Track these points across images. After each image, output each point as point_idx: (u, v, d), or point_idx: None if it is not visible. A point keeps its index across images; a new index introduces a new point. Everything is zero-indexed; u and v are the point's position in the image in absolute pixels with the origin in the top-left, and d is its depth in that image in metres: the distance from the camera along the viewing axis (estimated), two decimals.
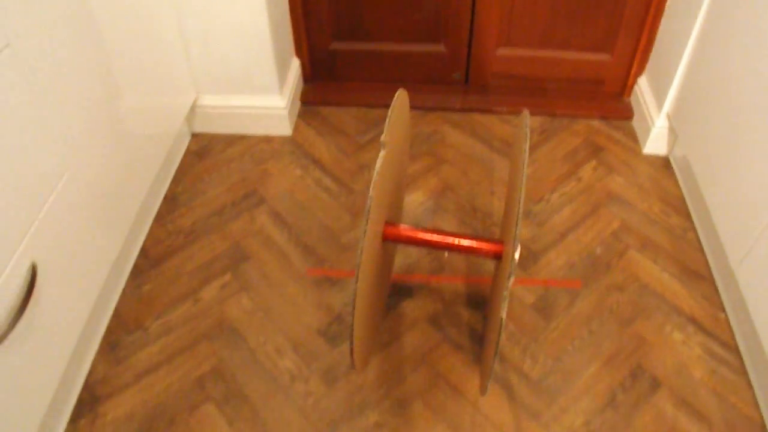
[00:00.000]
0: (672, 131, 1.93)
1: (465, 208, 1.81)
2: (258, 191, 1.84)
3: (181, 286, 1.61)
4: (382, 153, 1.16)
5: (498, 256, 1.32)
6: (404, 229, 1.35)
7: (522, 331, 1.52)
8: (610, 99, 2.18)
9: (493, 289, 1.36)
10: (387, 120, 1.19)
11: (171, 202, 1.81)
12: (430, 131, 2.07)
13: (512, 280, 1.07)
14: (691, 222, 1.78)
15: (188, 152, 1.97)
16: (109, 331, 1.52)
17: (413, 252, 1.68)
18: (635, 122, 2.10)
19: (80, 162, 1.29)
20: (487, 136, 2.05)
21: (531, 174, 1.91)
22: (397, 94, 1.27)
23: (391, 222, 1.36)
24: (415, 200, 1.83)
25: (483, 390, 1.23)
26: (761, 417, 1.39)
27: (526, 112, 1.30)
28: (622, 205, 1.83)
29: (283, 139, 2.02)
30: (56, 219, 1.21)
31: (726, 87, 1.55)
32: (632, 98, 2.16)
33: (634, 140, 2.05)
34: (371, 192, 1.10)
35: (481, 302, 1.58)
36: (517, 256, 1.06)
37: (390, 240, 1.34)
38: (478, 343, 1.50)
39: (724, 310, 1.57)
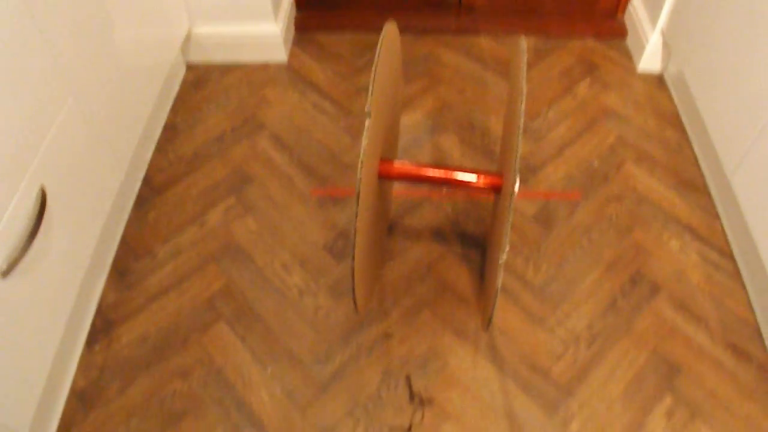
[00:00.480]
0: (666, 47, 1.94)
1: (463, 125, 1.82)
2: (257, 117, 1.85)
3: (186, 212, 1.63)
4: (368, 122, 1.11)
5: (497, 189, 1.33)
6: (400, 165, 1.33)
7: (524, 241, 1.56)
8: (603, 18, 2.18)
9: (493, 222, 1.37)
10: (371, 80, 1.14)
11: (171, 131, 1.82)
12: (426, 53, 2.07)
13: (512, 217, 1.06)
14: (686, 136, 1.80)
15: (185, 82, 1.96)
16: (118, 258, 1.55)
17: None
18: (629, 40, 2.11)
19: (80, 89, 1.29)
20: (481, 56, 2.05)
21: (527, 92, 1.93)
22: (382, 33, 1.23)
23: (386, 159, 1.34)
24: (413, 120, 1.84)
25: (485, 326, 1.27)
26: (755, 318, 1.43)
27: (522, 43, 1.24)
28: (618, 120, 1.84)
29: (279, 66, 2.01)
30: (61, 145, 1.22)
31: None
32: (626, 16, 2.15)
33: (628, 58, 2.05)
34: (361, 157, 1.07)
35: (483, 216, 1.60)
36: (516, 188, 1.06)
37: (385, 178, 1.34)
38: (482, 254, 1.53)
39: (719, 219, 1.61)
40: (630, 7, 2.11)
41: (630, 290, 1.47)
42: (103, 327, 1.43)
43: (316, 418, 1.31)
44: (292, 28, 2.12)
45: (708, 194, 1.66)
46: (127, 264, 1.53)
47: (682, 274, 1.50)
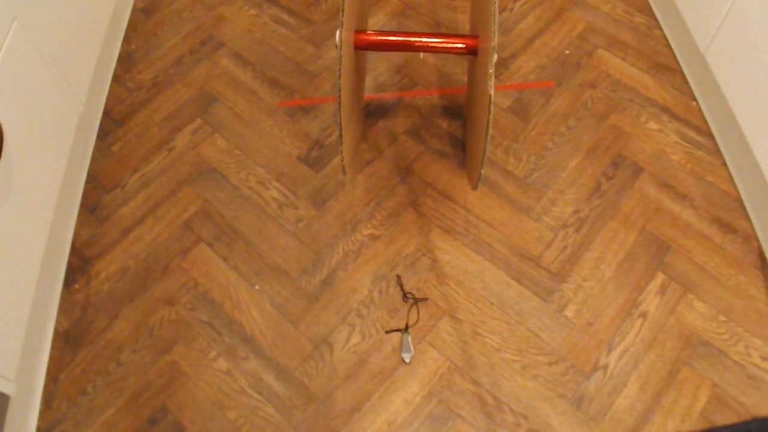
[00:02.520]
0: None
1: (429, 24, 1.77)
2: (215, 36, 1.78)
3: (152, 139, 1.57)
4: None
5: (473, 51, 1.29)
6: (375, 34, 1.31)
7: (502, 133, 1.52)
8: None
9: (471, 86, 1.35)
10: None
11: (126, 61, 1.74)
12: None
13: (496, 57, 1.05)
14: (655, 19, 1.77)
15: (135, 10, 1.87)
16: (86, 194, 1.49)
17: (383, 71, 1.65)
18: None
19: (27, 12, 1.22)
20: None
21: None
22: None
23: (361, 30, 1.32)
24: (377, 23, 1.78)
25: (475, 184, 1.24)
26: (737, 191, 1.43)
27: None
28: (585, 8, 1.80)
29: None
30: (12, 73, 1.16)
31: None
32: None
33: None
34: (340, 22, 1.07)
35: (457, 112, 1.57)
36: (496, 35, 1.03)
37: (363, 48, 1.30)
38: (461, 149, 1.50)
39: (695, 99, 1.59)
40: None
41: (613, 173, 1.46)
42: (79, 265, 1.39)
43: (310, 328, 1.28)
44: None
45: (682, 75, 1.63)
46: (97, 198, 1.48)
47: (662, 154, 1.49)
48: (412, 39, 1.30)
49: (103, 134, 1.59)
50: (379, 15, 1.79)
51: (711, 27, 1.42)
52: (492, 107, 1.02)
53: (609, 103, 1.57)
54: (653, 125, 1.54)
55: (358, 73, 1.39)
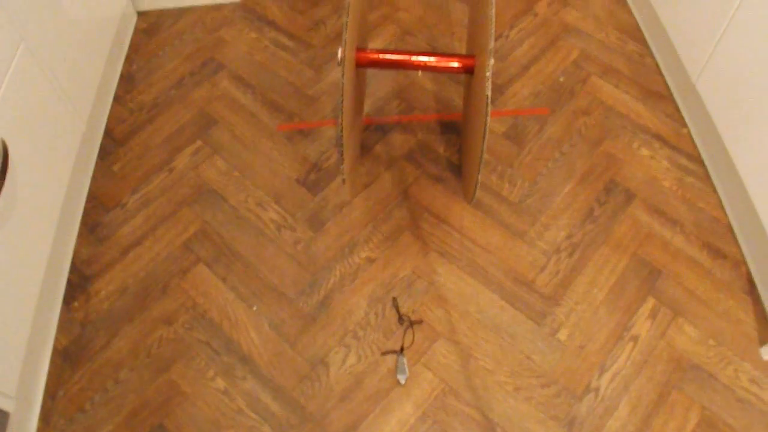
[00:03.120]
0: None
1: (426, 47, 1.80)
2: (215, 58, 1.81)
3: (152, 159, 1.59)
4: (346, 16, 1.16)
5: (469, 70, 1.33)
6: (377, 52, 1.35)
7: (497, 159, 1.55)
8: None
9: (466, 104, 1.38)
10: None
11: (128, 81, 1.77)
12: None
13: (492, 62, 1.08)
14: (648, 47, 1.81)
15: (137, 31, 1.90)
16: (87, 213, 1.51)
17: (382, 96, 1.68)
18: None
19: (32, 35, 1.25)
20: None
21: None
22: None
23: (362, 48, 1.36)
24: (373, 44, 1.81)
25: (470, 197, 1.26)
26: (726, 216, 1.46)
27: None
28: (580, 35, 1.84)
29: (234, 6, 1.96)
30: (19, 94, 1.18)
31: None
32: None
33: None
34: (345, 18, 1.12)
35: (454, 138, 1.59)
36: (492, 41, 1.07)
37: (363, 65, 1.35)
38: (457, 173, 1.53)
39: (686, 126, 1.62)
40: None
41: (605, 199, 1.48)
42: (79, 283, 1.40)
43: (307, 349, 1.30)
44: None
45: (673, 102, 1.67)
46: (98, 217, 1.50)
47: (654, 181, 1.52)
48: (411, 57, 1.34)
49: (104, 154, 1.61)
50: (377, 41, 1.82)
51: (701, 57, 1.46)
52: (489, 109, 1.06)
53: (602, 130, 1.61)
54: (645, 152, 1.57)
55: (359, 89, 1.44)
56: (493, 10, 1.07)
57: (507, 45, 1.81)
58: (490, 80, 1.06)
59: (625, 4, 1.93)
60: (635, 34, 1.84)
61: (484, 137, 1.09)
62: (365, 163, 1.55)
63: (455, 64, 1.33)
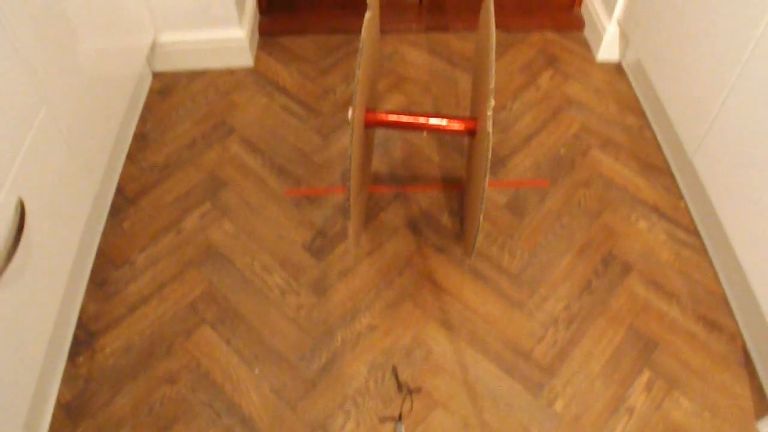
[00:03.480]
0: (623, 37, 2.00)
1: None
2: (227, 122, 1.86)
3: (162, 219, 1.63)
4: (368, 14, 1.25)
5: (471, 132, 1.40)
6: (385, 113, 1.42)
7: (498, 230, 1.59)
8: (561, 11, 2.23)
9: (468, 162, 1.46)
10: (360, 44, 1.24)
11: (141, 140, 1.82)
12: (391, 52, 2.10)
13: (493, 102, 1.14)
14: (647, 121, 1.86)
15: (152, 91, 1.96)
16: (95, 269, 1.54)
17: (387, 165, 1.73)
18: (587, 31, 2.16)
19: (52, 99, 1.29)
20: (445, 53, 2.09)
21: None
22: (369, 2, 1.34)
23: (371, 108, 1.43)
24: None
25: (469, 253, 1.30)
26: (723, 290, 1.49)
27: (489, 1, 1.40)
28: (581, 108, 1.89)
29: (246, 71, 2.03)
30: (37, 156, 1.22)
31: None
32: (583, 9, 2.21)
33: (587, 49, 2.11)
34: (357, 72, 1.19)
35: (456, 208, 1.63)
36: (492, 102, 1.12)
37: (372, 125, 1.42)
38: (458, 242, 1.56)
39: (683, 198, 1.66)
40: (586, 0, 2.16)
41: (603, 271, 1.52)
42: (85, 338, 1.43)
43: (307, 414, 1.32)
44: (257, 32, 2.13)
45: (671, 175, 1.71)
46: (106, 274, 1.53)
47: (651, 253, 1.55)
48: (418, 119, 1.42)
49: (115, 211, 1.66)
50: (385, 108, 1.88)
51: (697, 133, 1.50)
52: (490, 148, 1.10)
53: (601, 202, 1.65)
54: (643, 224, 1.61)
55: (367, 148, 1.50)
56: (493, 71, 1.13)
57: (510, 117, 1.86)
58: (491, 119, 1.10)
59: (625, 78, 2.00)
60: (635, 107, 1.90)
61: (485, 177, 1.13)
62: (369, 231, 1.59)
63: (458, 126, 1.40)
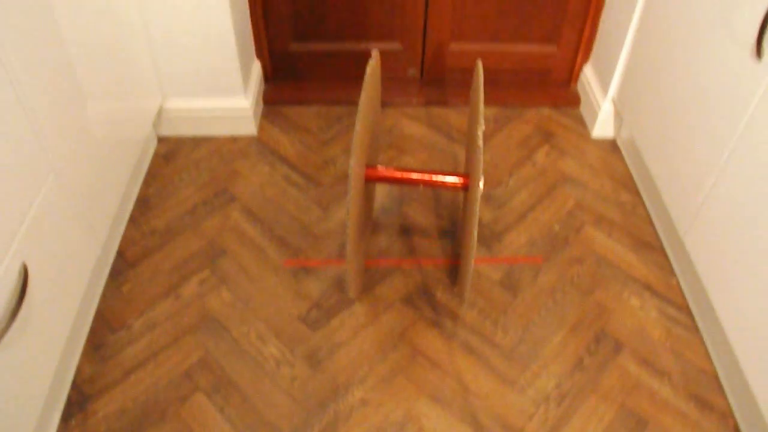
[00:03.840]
0: (617, 115, 2.05)
1: (429, 197, 1.89)
2: (228, 189, 1.90)
3: (161, 284, 1.66)
4: (371, 61, 1.39)
5: (466, 187, 1.50)
6: (383, 169, 1.52)
7: (491, 306, 1.61)
8: (558, 87, 2.29)
9: (463, 212, 1.56)
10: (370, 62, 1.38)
11: (143, 204, 1.86)
12: (390, 125, 2.15)
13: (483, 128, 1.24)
14: (640, 198, 1.90)
15: (156, 155, 2.01)
16: (93, 332, 1.56)
17: (384, 238, 1.76)
18: (583, 108, 2.22)
19: (61, 166, 1.33)
20: (444, 128, 2.14)
21: (488, 161, 2.01)
22: (369, 62, 1.46)
23: (371, 165, 1.52)
24: (380, 191, 1.91)
25: (462, 298, 1.33)
26: (714, 368, 1.50)
27: (479, 62, 1.54)
28: (576, 185, 1.93)
29: (249, 139, 2.07)
30: (42, 222, 1.25)
31: (665, 71, 1.67)
32: (579, 86, 2.27)
33: (582, 125, 2.16)
34: (357, 125, 1.30)
35: (451, 282, 1.66)
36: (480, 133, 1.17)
37: (372, 180, 1.51)
38: (453, 318, 1.58)
39: (675, 276, 1.69)
40: (582, 77, 2.22)
41: (595, 348, 1.53)
42: (78, 401, 1.44)
43: None
44: (261, 101, 2.19)
45: (663, 253, 1.74)
46: (103, 337, 1.55)
47: (643, 331, 1.57)
48: (414, 175, 1.51)
49: (115, 274, 1.68)
50: (383, 184, 1.92)
51: (688, 213, 1.54)
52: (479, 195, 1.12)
53: (594, 279, 1.67)
54: (635, 302, 1.63)
55: (367, 201, 1.59)
56: (481, 133, 1.20)
57: (506, 193, 1.90)
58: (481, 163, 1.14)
59: (619, 155, 2.04)
60: (629, 184, 1.94)
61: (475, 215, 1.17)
62: (365, 303, 1.61)
63: (452, 180, 1.52)
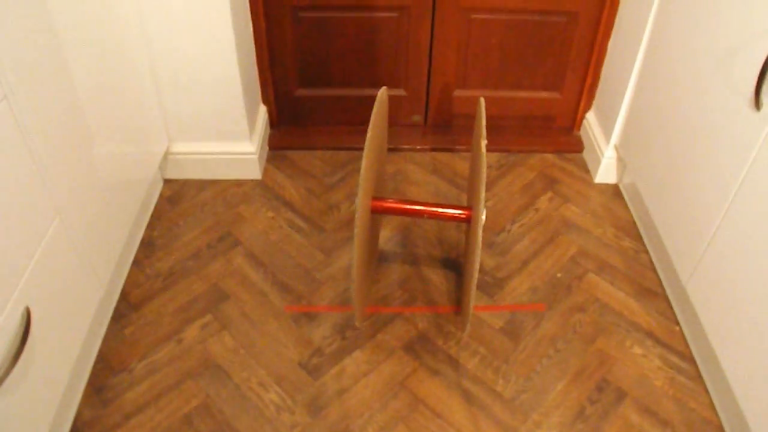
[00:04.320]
0: (620, 161, 2.06)
1: (431, 242, 1.90)
2: (232, 233, 1.91)
3: (163, 328, 1.66)
4: (380, 94, 1.48)
5: (467, 219, 1.56)
6: (389, 201, 1.60)
7: (493, 354, 1.61)
8: (561, 134, 2.31)
9: (466, 245, 1.63)
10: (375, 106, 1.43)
11: (148, 247, 1.87)
12: (394, 171, 2.17)
13: (485, 143, 1.33)
14: (643, 244, 1.90)
15: (162, 197, 2.03)
16: (94, 374, 1.56)
17: (386, 285, 1.77)
18: (586, 154, 2.23)
19: (67, 209, 1.35)
20: (448, 174, 2.16)
21: (491, 207, 2.02)
22: (377, 98, 1.51)
23: (377, 196, 1.59)
24: (383, 236, 1.92)
25: (463, 328, 1.43)
26: (718, 418, 1.49)
27: (481, 100, 1.60)
28: (579, 231, 1.94)
29: (254, 183, 2.09)
30: (47, 265, 1.26)
31: (666, 118, 1.68)
32: (582, 132, 2.29)
33: (585, 171, 2.17)
34: (364, 159, 1.36)
35: (452, 330, 1.66)
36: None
37: (377, 212, 1.57)
38: (454, 367, 1.58)
39: (678, 323, 1.68)
40: (585, 123, 2.24)
41: (597, 398, 1.53)
42: None
43: None
44: (266, 146, 2.21)
45: (666, 299, 1.74)
46: (104, 380, 1.55)
47: (645, 379, 1.56)
48: (419, 207, 1.58)
49: (118, 316, 1.68)
50: (386, 229, 1.93)
51: (691, 261, 1.54)
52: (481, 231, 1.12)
53: (596, 327, 1.67)
54: (638, 350, 1.62)
55: (373, 232, 1.68)
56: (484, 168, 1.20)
57: (508, 240, 1.91)
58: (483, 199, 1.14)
59: (622, 201, 2.05)
60: (631, 230, 1.94)
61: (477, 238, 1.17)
62: (366, 351, 1.61)
63: (455, 212, 1.58)
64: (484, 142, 1.41)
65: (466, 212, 1.57)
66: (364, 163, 1.37)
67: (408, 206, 1.58)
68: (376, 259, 1.80)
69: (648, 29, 1.79)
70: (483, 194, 1.36)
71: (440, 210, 1.57)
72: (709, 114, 1.47)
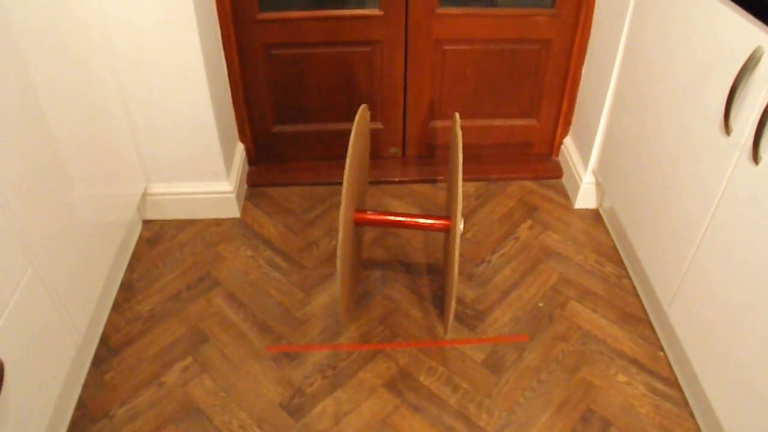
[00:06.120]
0: (599, 186, 2.07)
1: (414, 274, 1.89)
2: (212, 274, 1.90)
3: (144, 372, 1.64)
4: (360, 111, 1.55)
5: (447, 229, 1.61)
6: (371, 213, 1.66)
7: (476, 388, 1.60)
8: (539, 160, 2.32)
9: (445, 255, 1.67)
10: (349, 149, 1.46)
11: (127, 289, 1.85)
12: (373, 204, 2.16)
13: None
14: (624, 269, 1.90)
15: (141, 239, 2.02)
16: (74, 423, 1.54)
17: (366, 322, 1.75)
18: (565, 180, 2.24)
19: (40, 258, 1.33)
20: (427, 205, 2.15)
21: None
22: (357, 114, 1.57)
23: (359, 209, 1.64)
24: (364, 272, 1.91)
25: (445, 332, 1.49)
26: None
27: (456, 116, 1.66)
28: (559, 259, 1.94)
29: (233, 221, 2.09)
30: (21, 315, 1.25)
31: (640, 144, 1.69)
32: (560, 158, 2.30)
33: (565, 197, 2.18)
34: (347, 170, 1.42)
35: (434, 365, 1.65)
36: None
37: (361, 224, 1.63)
38: (435, 403, 1.57)
39: (662, 349, 1.68)
40: (563, 149, 2.25)
41: (582, 429, 1.51)
42: None
43: None
44: (245, 183, 2.21)
45: (650, 325, 1.74)
46: (84, 428, 1.53)
47: (631, 407, 1.55)
48: (400, 218, 1.65)
49: (98, 362, 1.67)
50: (366, 264, 1.92)
51: (671, 286, 1.54)
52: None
53: (579, 356, 1.66)
54: (622, 377, 1.61)
55: (356, 243, 1.75)
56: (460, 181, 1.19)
57: (489, 270, 1.90)
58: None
59: (603, 225, 2.05)
60: (613, 256, 1.94)
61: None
62: (347, 390, 1.60)
63: (434, 223, 1.63)
64: (460, 154, 1.46)
65: (444, 221, 1.62)
66: (347, 172, 1.42)
67: (389, 218, 1.65)
68: (361, 263, 1.87)
69: (619, 55, 1.80)
70: (461, 202, 1.42)
71: (420, 221, 1.63)
72: (681, 139, 1.48)
